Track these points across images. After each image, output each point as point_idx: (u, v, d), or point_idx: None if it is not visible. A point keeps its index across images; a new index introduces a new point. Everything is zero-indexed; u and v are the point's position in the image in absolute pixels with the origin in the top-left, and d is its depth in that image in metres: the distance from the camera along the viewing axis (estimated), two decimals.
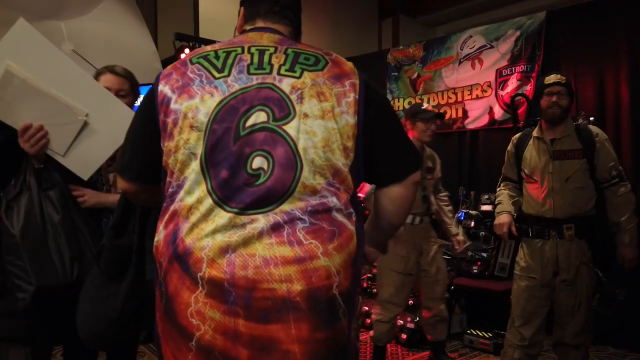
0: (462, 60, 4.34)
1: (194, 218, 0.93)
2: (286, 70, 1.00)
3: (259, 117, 0.95)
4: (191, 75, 1.01)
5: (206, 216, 0.93)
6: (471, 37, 4.28)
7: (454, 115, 4.36)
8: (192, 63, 1.03)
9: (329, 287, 0.92)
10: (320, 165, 0.95)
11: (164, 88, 1.02)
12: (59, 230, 1.46)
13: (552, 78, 2.40)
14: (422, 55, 4.63)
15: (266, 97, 0.97)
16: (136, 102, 1.76)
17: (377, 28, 6.34)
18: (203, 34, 4.19)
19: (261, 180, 0.93)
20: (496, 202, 2.65)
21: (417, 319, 3.30)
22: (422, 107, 2.91)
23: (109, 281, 1.33)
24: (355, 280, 0.99)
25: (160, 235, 0.99)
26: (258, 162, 0.93)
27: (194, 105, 0.97)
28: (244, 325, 0.89)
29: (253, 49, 1.03)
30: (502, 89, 4.03)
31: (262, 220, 0.91)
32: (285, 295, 0.89)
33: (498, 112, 4.08)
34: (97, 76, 1.73)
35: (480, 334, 3.30)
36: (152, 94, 1.04)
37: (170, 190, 0.99)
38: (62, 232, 1.46)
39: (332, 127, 0.97)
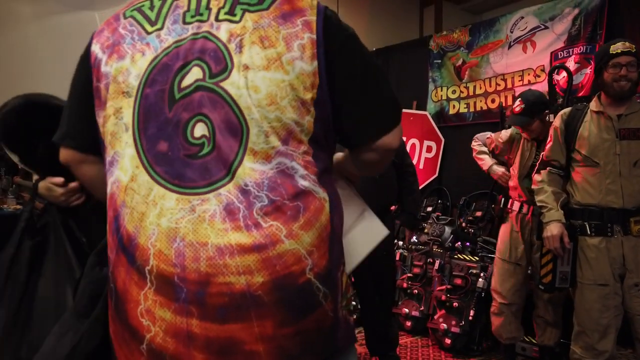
0: (512, 43, 4.01)
1: (132, 201, 0.81)
2: (225, 14, 0.84)
3: (194, 74, 0.81)
4: (122, 31, 0.88)
5: (146, 197, 0.80)
6: (522, 18, 3.95)
7: (503, 104, 4.04)
8: (124, 17, 0.89)
9: (300, 273, 0.78)
10: (269, 127, 0.79)
11: (95, 47, 0.90)
12: None
13: (619, 47, 2.04)
14: (467, 40, 4.32)
15: (201, 49, 0.82)
16: None
17: (419, 16, 6.06)
18: None
19: (205, 150, 0.79)
20: (538, 201, 2.24)
21: (422, 307, 3.27)
22: None
23: (76, 317, 1.14)
24: (335, 255, 0.84)
25: (107, 223, 0.87)
26: (199, 129, 0.79)
27: (124, 67, 0.85)
28: (198, 325, 0.76)
29: None
30: (557, 74, 3.68)
31: (213, 201, 0.77)
32: (245, 290, 0.76)
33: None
34: None
35: (534, 341, 2.99)
36: (86, 54, 0.92)
37: (105, 168, 0.88)
38: None
39: (281, 79, 0.80)
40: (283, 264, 0.77)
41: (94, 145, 0.92)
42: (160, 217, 0.78)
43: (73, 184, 1.34)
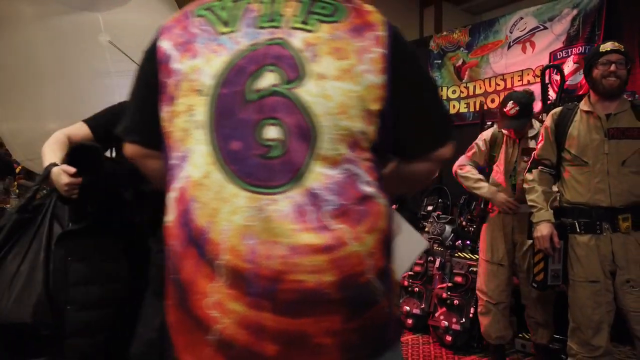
0: (511, 44, 4.05)
1: (205, 196, 0.82)
2: (299, 22, 0.86)
3: (268, 79, 0.83)
4: (194, 30, 0.89)
5: (218, 194, 0.82)
6: (522, 18, 3.99)
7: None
8: (195, 15, 0.91)
9: (362, 273, 0.83)
10: (338, 135, 0.83)
11: (164, 44, 0.90)
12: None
13: (608, 45, 2.09)
14: (467, 40, 4.36)
15: (276, 55, 0.84)
16: None
17: (419, 16, 6.09)
18: None
19: (275, 152, 0.81)
20: (529, 201, 2.26)
21: (423, 305, 3.25)
22: None
23: (157, 299, 1.21)
24: (389, 255, 0.90)
25: (171, 215, 0.88)
26: (270, 131, 0.82)
27: (197, 65, 0.86)
28: (271, 318, 0.80)
29: None
30: (556, 74, 3.72)
31: (283, 202, 0.80)
32: (315, 287, 0.80)
33: (552, 99, 3.76)
34: None
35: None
36: (153, 50, 0.92)
37: (171, 162, 0.89)
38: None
39: (351, 90, 0.84)
40: (349, 264, 0.81)
41: (158, 140, 0.93)
42: (233, 214, 0.80)
43: (79, 179, 1.38)
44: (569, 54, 3.67)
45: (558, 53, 3.74)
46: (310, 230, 0.80)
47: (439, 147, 0.96)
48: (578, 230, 2.11)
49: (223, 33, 0.87)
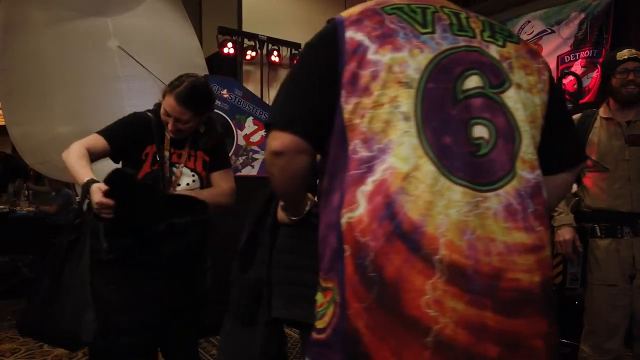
0: None
1: (416, 189, 0.80)
2: (488, 37, 0.93)
3: (474, 81, 0.87)
4: (392, 25, 0.89)
5: (432, 187, 0.80)
6: (529, 22, 3.99)
7: None
8: (387, 13, 0.92)
9: (552, 278, 0.86)
10: (532, 141, 0.89)
11: (355, 35, 0.89)
12: None
13: (625, 53, 2.10)
14: None
15: (477, 61, 0.89)
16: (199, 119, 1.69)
17: None
18: (246, 27, 4.14)
19: (483, 151, 0.84)
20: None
21: None
22: None
23: (241, 326, 1.20)
24: None
25: (360, 209, 0.81)
26: (478, 130, 0.85)
27: (400, 58, 0.86)
28: (492, 318, 0.77)
29: (446, 10, 0.95)
30: (564, 77, 3.71)
31: (494, 200, 0.81)
32: (528, 287, 0.80)
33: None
34: (163, 94, 1.66)
35: None
36: (334, 40, 0.90)
37: (361, 154, 0.84)
38: None
39: (536, 103, 0.92)
40: (547, 267, 0.83)
41: (319, 133, 0.90)
42: (448, 208, 0.79)
43: (108, 200, 1.38)
44: (577, 57, 3.66)
45: (565, 57, 3.73)
46: (521, 229, 0.82)
47: (582, 160, 1.05)
48: (599, 234, 2.11)
49: (423, 33, 0.89)
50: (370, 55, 0.87)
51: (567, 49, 3.72)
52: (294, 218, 1.18)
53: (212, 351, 2.96)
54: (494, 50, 0.91)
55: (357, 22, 0.90)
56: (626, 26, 3.41)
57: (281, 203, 1.19)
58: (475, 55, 0.89)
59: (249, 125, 3.41)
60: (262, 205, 1.32)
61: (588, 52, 3.59)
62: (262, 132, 3.46)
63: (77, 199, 5.29)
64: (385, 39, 0.87)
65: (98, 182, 1.42)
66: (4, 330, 3.38)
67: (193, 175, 1.72)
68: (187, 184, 1.70)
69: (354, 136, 0.85)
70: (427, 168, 0.80)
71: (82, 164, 1.48)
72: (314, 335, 0.87)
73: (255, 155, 3.44)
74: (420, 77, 0.85)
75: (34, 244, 4.67)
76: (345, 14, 0.93)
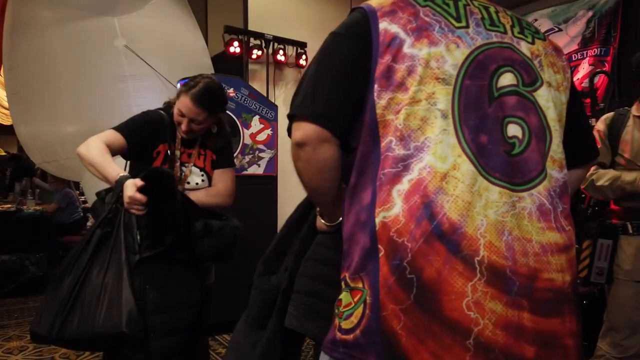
0: None
1: (455, 189, 0.78)
2: (518, 33, 0.93)
3: (508, 78, 0.86)
4: (426, 18, 0.86)
5: (471, 187, 0.78)
6: (536, 20, 3.96)
7: None
8: (420, 5, 0.88)
9: (577, 278, 0.86)
10: (561, 140, 0.89)
11: (390, 27, 0.85)
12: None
13: None
14: None
15: (510, 58, 0.88)
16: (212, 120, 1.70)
17: None
18: (252, 26, 4.13)
19: (517, 150, 0.83)
20: (604, 181, 2.10)
21: None
22: None
23: (250, 328, 1.18)
24: None
25: (396, 209, 0.79)
26: (512, 129, 0.84)
27: (437, 53, 0.83)
28: (529, 319, 0.77)
29: (476, 3, 0.93)
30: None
31: (528, 199, 0.82)
32: (561, 287, 0.81)
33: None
34: (178, 94, 1.66)
35: None
36: (367, 31, 0.85)
37: (397, 152, 0.81)
38: None
39: (562, 102, 0.92)
40: (575, 265, 0.84)
41: (347, 127, 0.87)
42: (487, 208, 0.78)
43: (141, 196, 1.39)
44: (584, 56, 3.63)
45: (573, 55, 3.71)
46: (554, 229, 0.82)
47: (595, 156, 1.06)
48: (630, 231, 2.11)
49: (457, 27, 0.87)
50: (406, 49, 0.83)
51: (575, 47, 3.70)
52: (330, 224, 1.06)
53: (219, 349, 2.96)
54: (524, 48, 0.91)
55: (390, 13, 0.86)
56: (635, 24, 3.39)
57: (317, 208, 1.11)
58: (508, 52, 0.88)
59: (255, 124, 3.41)
60: (300, 212, 1.24)
61: (596, 50, 3.56)
62: (268, 131, 3.46)
63: (83, 198, 5.31)
64: (421, 32, 0.84)
65: (131, 178, 1.43)
66: (11, 328, 3.40)
67: (202, 175, 1.73)
68: (197, 184, 1.71)
69: (387, 132, 0.82)
70: (466, 167, 0.79)
71: (108, 160, 1.49)
72: (338, 335, 0.85)
73: (262, 154, 3.44)
74: (457, 74, 0.83)
75: (41, 243, 4.70)
76: (374, 3, 0.89)
